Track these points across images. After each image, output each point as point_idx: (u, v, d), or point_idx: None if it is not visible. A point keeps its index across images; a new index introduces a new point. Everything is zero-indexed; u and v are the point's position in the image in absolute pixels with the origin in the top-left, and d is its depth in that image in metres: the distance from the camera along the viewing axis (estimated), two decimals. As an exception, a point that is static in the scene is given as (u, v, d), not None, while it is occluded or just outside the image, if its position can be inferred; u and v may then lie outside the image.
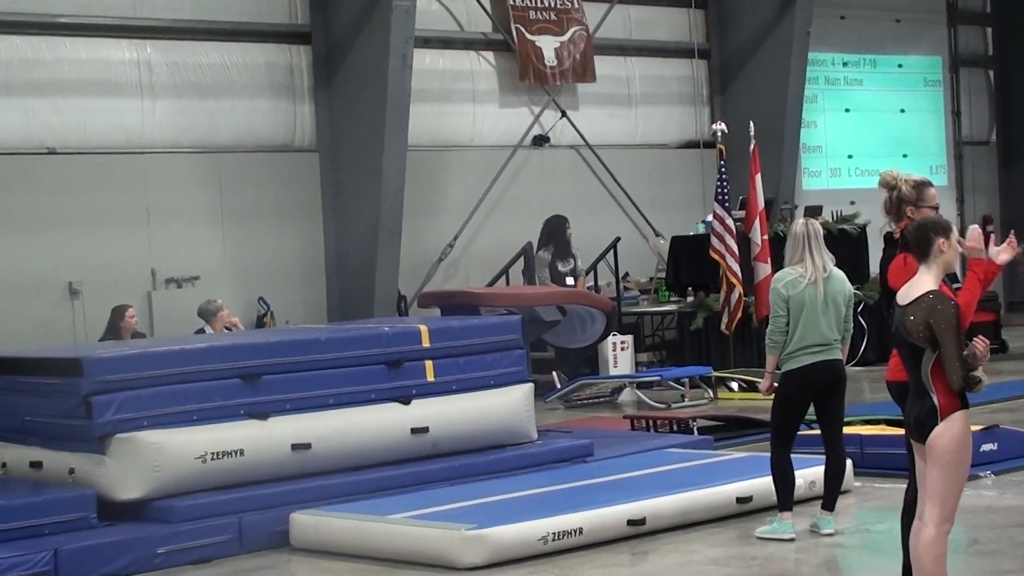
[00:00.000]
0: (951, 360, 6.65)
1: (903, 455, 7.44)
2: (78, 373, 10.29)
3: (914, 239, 6.92)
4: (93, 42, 17.08)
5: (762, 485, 10.17)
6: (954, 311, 6.68)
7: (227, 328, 15.59)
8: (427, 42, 19.50)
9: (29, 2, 16.60)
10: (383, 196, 17.93)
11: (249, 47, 18.25)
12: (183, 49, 17.69)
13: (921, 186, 7.97)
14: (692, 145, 22.66)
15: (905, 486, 7.53)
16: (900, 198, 7.87)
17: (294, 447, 10.80)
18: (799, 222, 9.71)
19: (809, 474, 10.33)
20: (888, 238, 8.09)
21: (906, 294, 6.85)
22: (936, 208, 8.01)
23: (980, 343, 6.71)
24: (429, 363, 11.82)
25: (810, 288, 9.47)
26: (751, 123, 18.10)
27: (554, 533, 9.48)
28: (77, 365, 10.34)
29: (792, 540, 9.54)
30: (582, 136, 21.20)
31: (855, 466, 10.96)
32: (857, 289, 17.63)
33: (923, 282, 6.81)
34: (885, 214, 7.97)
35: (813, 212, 19.54)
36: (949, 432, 6.72)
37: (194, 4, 17.84)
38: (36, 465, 10.74)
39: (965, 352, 6.66)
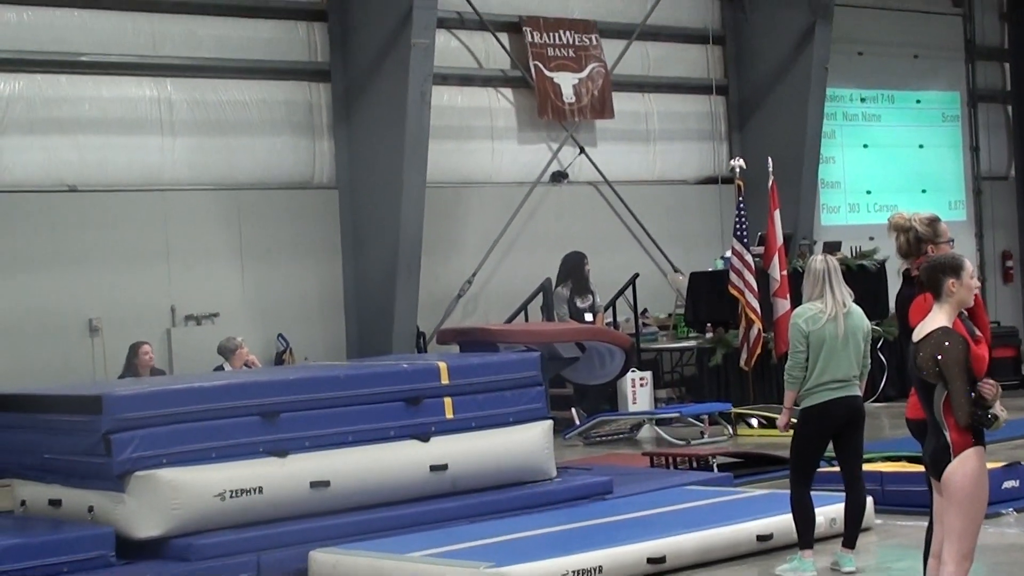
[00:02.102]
0: (958, 396, 6.66)
1: (924, 492, 7.41)
2: (97, 411, 10.29)
3: (926, 279, 6.94)
4: (114, 80, 17.17)
5: (783, 523, 10.13)
6: (962, 348, 6.68)
7: (246, 365, 15.60)
8: (446, 79, 19.55)
9: (51, 41, 16.70)
10: (402, 233, 17.96)
11: (269, 85, 18.33)
12: (203, 87, 17.77)
13: (934, 222, 8.02)
14: (710, 181, 22.67)
15: (927, 523, 7.50)
16: (919, 238, 7.89)
17: (313, 484, 10.79)
18: (817, 258, 9.69)
19: (830, 511, 10.29)
20: (907, 275, 8.10)
21: (920, 330, 6.87)
22: (951, 241, 8.04)
23: (987, 387, 6.70)
24: (448, 400, 11.81)
25: (830, 324, 9.45)
26: (769, 159, 18.11)
27: (574, 571, 9.42)
28: (97, 402, 10.35)
29: (813, 578, 9.50)
30: (600, 172, 21.21)
31: (876, 503, 10.92)
32: (876, 325, 17.67)
33: (936, 319, 6.83)
34: (900, 257, 7.96)
35: (832, 248, 19.52)
36: (962, 469, 6.71)
37: (214, 42, 17.92)
38: (55, 503, 10.75)
39: (973, 394, 6.65)
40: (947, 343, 6.69)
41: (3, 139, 16.32)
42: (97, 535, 10.06)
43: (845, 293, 9.57)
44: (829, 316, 9.46)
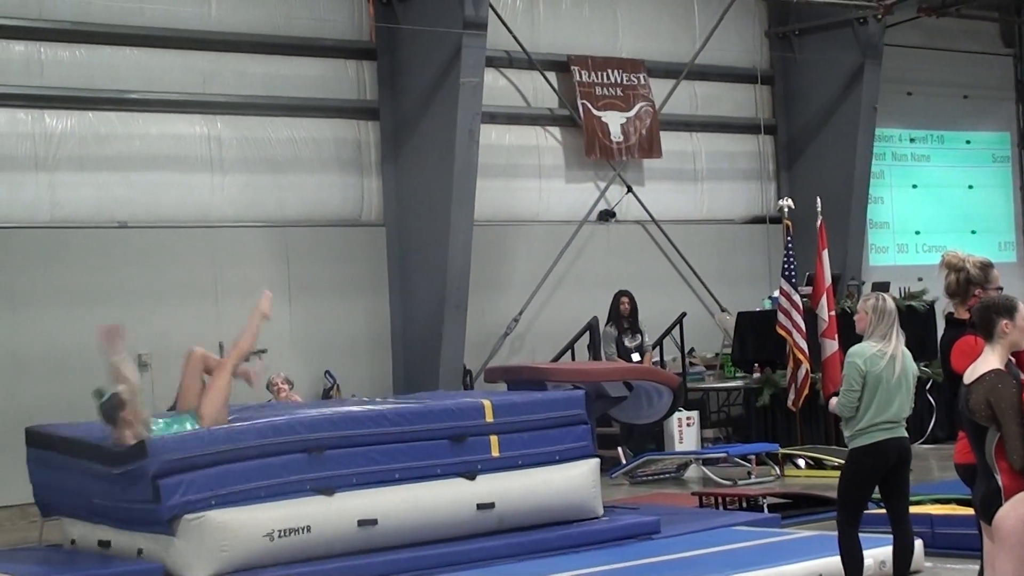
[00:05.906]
0: (1012, 439, 6.59)
1: (974, 535, 7.36)
2: (143, 455, 10.31)
3: (978, 320, 6.90)
4: (164, 117, 17.30)
5: (831, 564, 10.04)
6: (1016, 391, 6.62)
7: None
8: (494, 118, 19.59)
9: (102, 78, 16.84)
10: (449, 270, 17.99)
11: (318, 122, 18.42)
12: (252, 124, 17.88)
13: (987, 267, 7.97)
14: (758, 220, 22.62)
15: (977, 568, 7.43)
16: (968, 279, 7.85)
17: (360, 523, 10.80)
18: (886, 297, 9.47)
19: (879, 554, 10.20)
20: (949, 319, 8.04)
21: (971, 372, 6.81)
22: (1000, 289, 7.98)
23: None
24: (494, 438, 11.80)
25: (889, 366, 9.34)
26: (818, 199, 18.04)
27: (620, 611, 9.41)
28: (142, 447, 10.37)
29: (862, 621, 9.41)
30: (648, 211, 21.21)
31: (926, 546, 10.83)
32: (925, 366, 17.58)
33: (988, 361, 6.78)
34: (948, 296, 7.91)
35: (881, 289, 19.38)
36: (1015, 513, 6.64)
37: (264, 80, 18.03)
38: (104, 544, 10.79)
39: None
40: (1000, 385, 6.64)
41: (55, 175, 16.47)
42: (145, 570, 10.08)
43: (900, 335, 9.48)
44: (890, 357, 9.35)
